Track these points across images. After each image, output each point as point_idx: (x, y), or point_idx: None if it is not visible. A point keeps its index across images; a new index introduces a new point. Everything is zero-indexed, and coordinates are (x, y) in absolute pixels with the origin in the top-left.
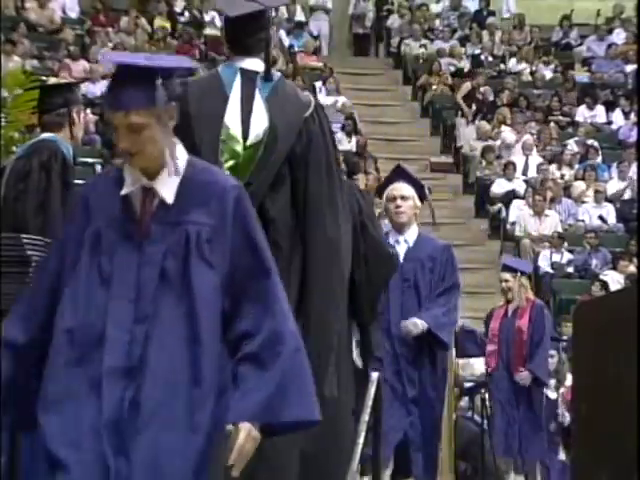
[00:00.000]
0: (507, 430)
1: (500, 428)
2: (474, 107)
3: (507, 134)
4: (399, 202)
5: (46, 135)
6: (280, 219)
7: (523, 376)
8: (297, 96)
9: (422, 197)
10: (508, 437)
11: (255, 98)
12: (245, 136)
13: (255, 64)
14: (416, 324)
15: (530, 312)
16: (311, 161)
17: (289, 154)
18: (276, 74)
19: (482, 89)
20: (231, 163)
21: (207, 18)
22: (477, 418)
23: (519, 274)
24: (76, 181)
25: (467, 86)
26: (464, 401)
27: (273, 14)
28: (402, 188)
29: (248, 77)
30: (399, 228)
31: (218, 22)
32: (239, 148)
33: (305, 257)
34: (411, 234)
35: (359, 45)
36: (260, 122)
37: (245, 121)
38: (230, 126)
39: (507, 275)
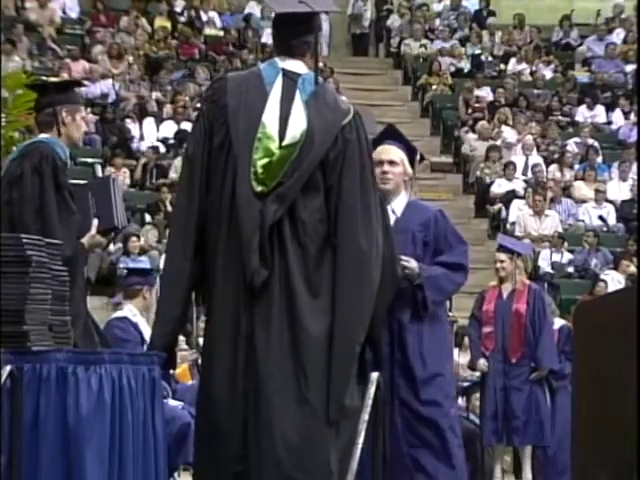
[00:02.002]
0: (497, 414)
1: (491, 412)
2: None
3: (507, 134)
4: (386, 167)
5: (42, 136)
6: (310, 222)
7: (539, 375)
8: (337, 102)
9: (413, 162)
10: (498, 421)
11: (295, 100)
12: (281, 136)
13: (297, 66)
14: (412, 267)
15: (528, 296)
16: (345, 169)
17: (323, 159)
18: (319, 79)
19: (481, 92)
20: (265, 161)
21: (207, 18)
22: (473, 417)
23: (515, 255)
24: (74, 181)
25: (464, 99)
26: (462, 400)
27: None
28: (390, 151)
29: (290, 78)
30: (385, 196)
31: (218, 22)
32: (274, 147)
33: (335, 267)
34: (399, 203)
35: (358, 45)
36: (298, 124)
37: (283, 121)
38: (267, 124)
39: (502, 256)
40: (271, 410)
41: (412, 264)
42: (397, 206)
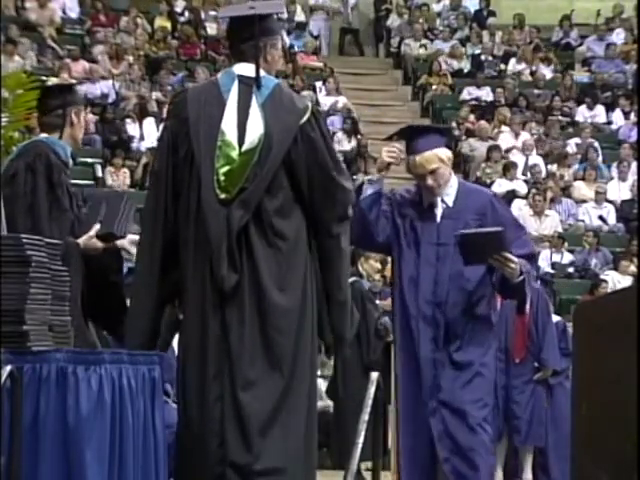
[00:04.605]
0: (498, 414)
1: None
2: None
3: (508, 134)
4: (430, 182)
5: (42, 136)
6: (277, 222)
7: (543, 375)
8: (293, 102)
9: (450, 141)
10: (499, 421)
11: (251, 104)
12: (241, 142)
13: (252, 70)
14: (516, 265)
15: (531, 296)
16: (310, 165)
17: (285, 160)
18: (272, 80)
19: (481, 92)
20: (226, 169)
21: (207, 18)
22: None
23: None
24: (75, 181)
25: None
26: None
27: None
28: (426, 161)
29: (245, 83)
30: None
31: (218, 22)
32: (234, 154)
33: (319, 258)
34: (449, 192)
35: (344, 40)
36: (255, 128)
37: (241, 127)
38: (226, 132)
39: None
40: (247, 409)
41: (515, 261)
42: (448, 196)
